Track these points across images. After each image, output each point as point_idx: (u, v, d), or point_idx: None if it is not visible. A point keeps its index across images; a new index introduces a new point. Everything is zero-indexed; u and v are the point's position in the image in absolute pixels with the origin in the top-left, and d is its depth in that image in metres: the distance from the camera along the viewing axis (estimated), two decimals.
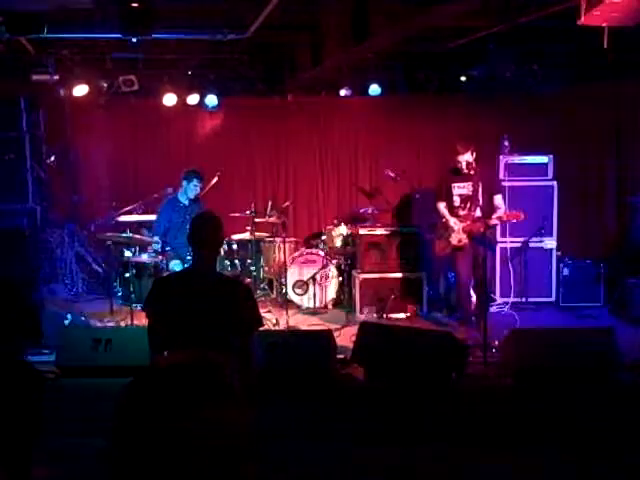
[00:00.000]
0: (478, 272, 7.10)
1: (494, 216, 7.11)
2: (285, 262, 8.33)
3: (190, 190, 7.84)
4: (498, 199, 7.33)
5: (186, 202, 7.88)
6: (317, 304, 8.48)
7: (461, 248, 7.24)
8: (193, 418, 1.37)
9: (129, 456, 1.38)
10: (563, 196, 8.75)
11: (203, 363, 1.48)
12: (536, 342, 6.18)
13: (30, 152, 8.69)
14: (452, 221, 7.26)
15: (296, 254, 8.66)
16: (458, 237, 7.23)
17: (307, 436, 4.96)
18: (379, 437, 4.98)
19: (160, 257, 7.65)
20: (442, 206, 7.40)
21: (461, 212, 7.30)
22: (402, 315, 8.12)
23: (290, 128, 9.76)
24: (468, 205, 7.25)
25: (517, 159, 8.67)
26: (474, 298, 7.46)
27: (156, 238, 7.78)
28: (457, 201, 7.32)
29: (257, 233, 8.49)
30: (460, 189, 7.28)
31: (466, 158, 7.10)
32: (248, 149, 9.79)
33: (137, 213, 8.64)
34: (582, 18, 3.75)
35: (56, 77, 8.11)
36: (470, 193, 7.19)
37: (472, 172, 7.15)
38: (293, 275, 8.50)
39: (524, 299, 8.49)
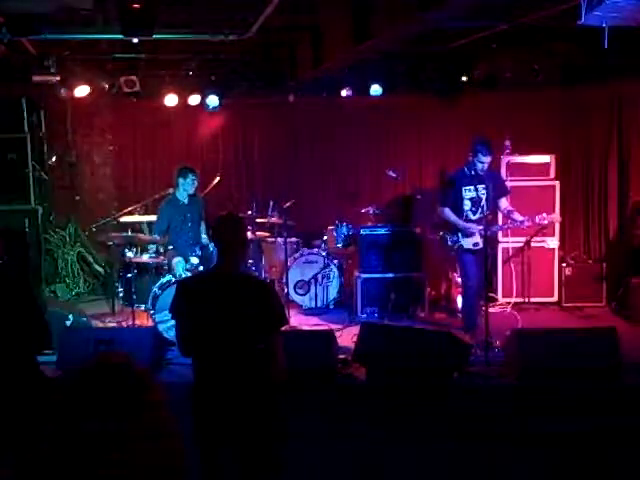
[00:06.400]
0: (489, 274, 7.01)
1: (526, 218, 6.94)
2: (286, 262, 8.33)
3: (188, 185, 7.74)
4: (505, 202, 7.23)
5: (185, 200, 7.85)
6: (318, 304, 8.48)
7: (475, 252, 7.01)
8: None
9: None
10: (565, 196, 8.74)
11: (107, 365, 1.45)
12: (538, 342, 6.18)
13: (31, 153, 8.70)
14: (472, 227, 6.97)
15: (297, 254, 8.66)
16: (474, 241, 6.99)
17: (309, 436, 4.96)
18: (380, 436, 4.98)
19: (161, 257, 7.65)
20: (447, 211, 7.11)
21: (471, 216, 7.07)
22: (403, 315, 8.11)
23: (291, 128, 9.76)
24: (479, 208, 7.03)
25: (519, 159, 8.66)
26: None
27: (156, 236, 7.77)
28: (467, 205, 7.07)
29: (258, 233, 8.49)
30: (471, 192, 7.02)
31: (488, 160, 6.89)
32: (249, 149, 9.79)
33: (138, 213, 8.65)
34: (582, 18, 3.74)
35: (57, 78, 8.11)
36: (482, 196, 6.94)
37: (483, 173, 6.94)
38: (294, 275, 8.50)
39: (526, 299, 8.47)
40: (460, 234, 7.07)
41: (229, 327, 3.52)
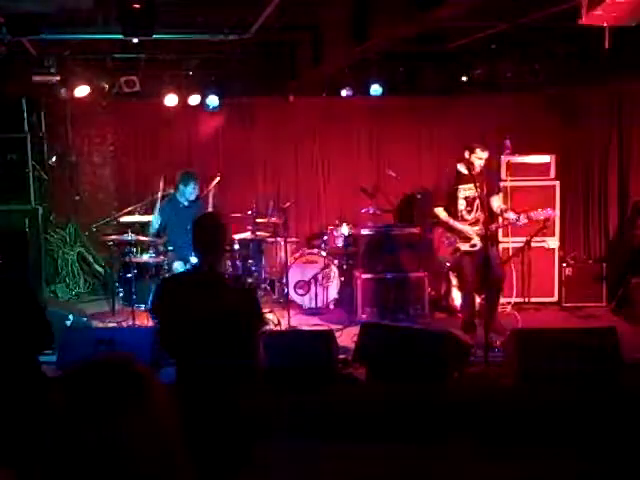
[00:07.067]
0: (495, 273, 6.98)
1: (522, 216, 6.87)
2: (286, 262, 8.33)
3: (188, 193, 7.77)
4: (497, 200, 7.22)
5: (185, 203, 7.86)
6: (318, 304, 8.47)
7: (473, 254, 6.97)
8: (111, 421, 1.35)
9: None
10: (565, 196, 8.74)
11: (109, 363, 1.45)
12: (538, 342, 6.17)
13: (31, 153, 8.70)
14: (467, 228, 6.95)
15: (297, 254, 8.66)
16: (471, 242, 6.95)
17: (308, 436, 4.97)
18: (380, 436, 4.98)
19: (161, 257, 7.65)
20: (441, 211, 7.07)
21: (467, 216, 7.04)
22: (403, 315, 8.11)
23: (291, 128, 9.76)
24: (475, 207, 6.99)
25: (519, 159, 8.65)
26: (478, 300, 7.44)
27: (153, 232, 7.77)
28: (463, 204, 7.02)
29: (258, 233, 8.48)
30: (466, 191, 6.97)
31: (485, 156, 6.83)
32: (249, 149, 9.79)
33: (138, 213, 8.65)
34: (583, 18, 3.74)
35: (57, 78, 8.12)
36: (476, 194, 6.86)
37: (478, 172, 6.87)
38: (294, 275, 8.49)
39: (526, 299, 8.47)
40: (457, 236, 7.05)
41: (210, 327, 3.52)
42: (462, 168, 7.02)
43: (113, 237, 7.85)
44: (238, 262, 8.43)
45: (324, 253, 8.62)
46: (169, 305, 3.64)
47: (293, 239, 9.01)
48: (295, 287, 8.50)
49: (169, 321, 3.63)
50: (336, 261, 8.62)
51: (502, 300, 8.41)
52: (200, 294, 3.59)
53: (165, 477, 1.38)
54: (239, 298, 3.65)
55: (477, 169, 6.87)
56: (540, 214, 6.95)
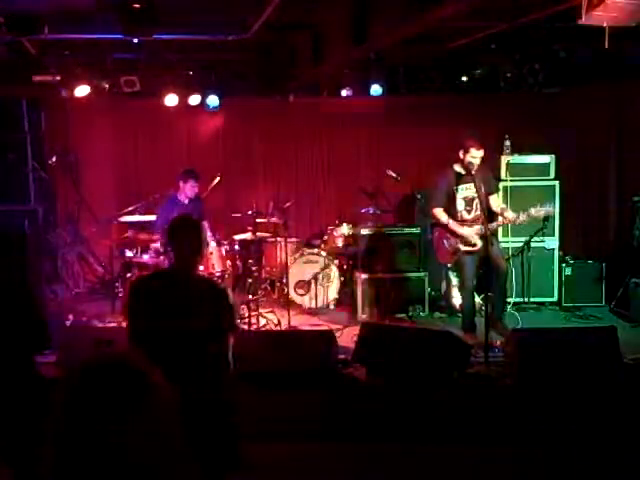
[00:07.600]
0: (497, 269, 6.96)
1: (521, 214, 6.84)
2: (287, 262, 8.33)
3: (187, 190, 7.84)
4: (495, 200, 7.21)
5: (185, 201, 7.88)
6: (319, 304, 8.47)
7: (473, 253, 6.95)
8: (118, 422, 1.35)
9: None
10: (565, 196, 8.74)
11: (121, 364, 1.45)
12: (538, 342, 6.18)
13: (32, 153, 8.71)
14: (468, 232, 6.90)
15: (297, 254, 8.66)
16: (471, 242, 6.91)
17: (308, 436, 4.97)
18: (380, 436, 4.99)
19: (161, 257, 7.64)
20: (440, 212, 7.01)
21: (466, 215, 7.01)
22: (403, 315, 8.11)
23: (291, 128, 9.76)
24: (474, 207, 6.96)
25: (519, 159, 8.66)
26: (477, 299, 7.44)
27: (157, 234, 7.78)
28: (461, 204, 6.98)
29: (259, 233, 8.47)
30: (464, 191, 6.94)
31: (481, 154, 6.77)
32: (249, 149, 9.80)
33: (139, 213, 8.65)
34: (583, 18, 3.75)
35: (58, 78, 8.12)
36: (474, 194, 6.82)
37: (474, 171, 6.82)
38: (295, 275, 8.49)
39: (526, 299, 8.47)
40: (457, 237, 7.03)
41: (179, 327, 3.51)
42: (459, 168, 7.00)
43: (113, 237, 7.84)
44: (238, 262, 8.43)
45: (324, 253, 8.62)
46: (141, 305, 3.64)
47: (293, 239, 9.00)
48: (295, 287, 8.50)
49: (140, 321, 3.63)
50: (336, 261, 8.61)
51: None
52: (172, 293, 3.60)
53: (165, 476, 1.38)
54: (211, 299, 3.64)
55: (475, 168, 6.86)
56: (540, 211, 6.95)
